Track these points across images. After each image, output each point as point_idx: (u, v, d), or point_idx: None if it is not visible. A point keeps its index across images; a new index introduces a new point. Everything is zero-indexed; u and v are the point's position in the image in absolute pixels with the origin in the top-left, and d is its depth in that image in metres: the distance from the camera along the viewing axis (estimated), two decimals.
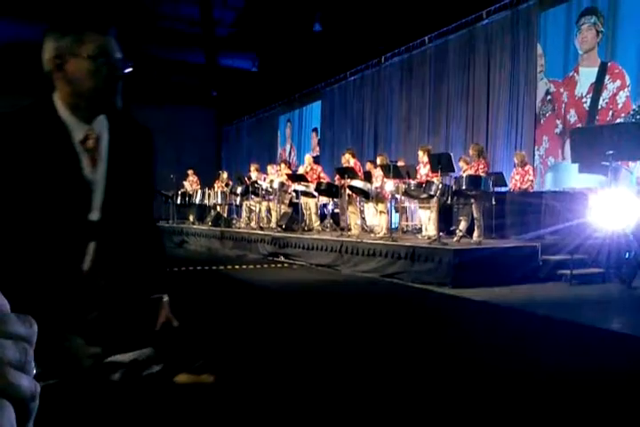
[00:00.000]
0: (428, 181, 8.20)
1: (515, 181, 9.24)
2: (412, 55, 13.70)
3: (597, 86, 9.59)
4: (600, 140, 7.57)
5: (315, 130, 17.61)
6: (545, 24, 10.66)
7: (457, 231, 8.16)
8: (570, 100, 10.05)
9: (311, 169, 11.03)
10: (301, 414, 2.75)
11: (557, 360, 3.73)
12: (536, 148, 10.62)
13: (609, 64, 9.41)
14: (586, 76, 9.82)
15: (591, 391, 3.13)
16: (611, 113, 9.33)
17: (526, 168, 9.28)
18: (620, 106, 9.23)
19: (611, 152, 7.08)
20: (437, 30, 12.65)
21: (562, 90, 10.22)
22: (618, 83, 9.25)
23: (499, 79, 11.44)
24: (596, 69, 9.63)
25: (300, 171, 11.32)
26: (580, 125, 9.73)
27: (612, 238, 6.79)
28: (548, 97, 10.50)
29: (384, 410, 2.83)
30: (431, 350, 4.02)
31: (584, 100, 9.82)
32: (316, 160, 14.54)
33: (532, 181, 9.21)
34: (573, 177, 9.43)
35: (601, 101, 9.53)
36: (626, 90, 9.11)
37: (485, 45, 11.76)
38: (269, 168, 12.85)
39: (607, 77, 9.43)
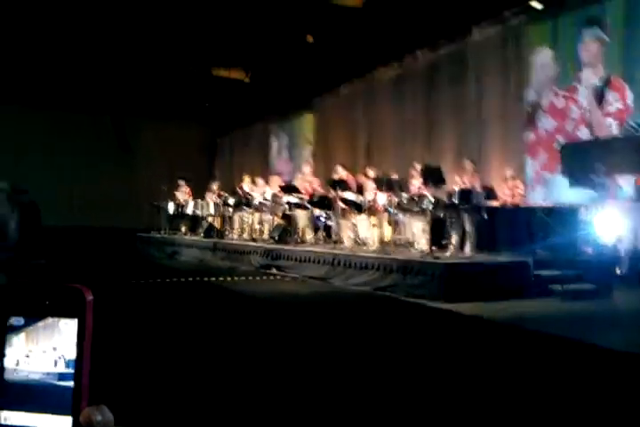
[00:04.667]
0: (420, 195, 8.24)
1: (504, 195, 9.30)
2: (404, 69, 13.82)
3: (598, 100, 9.42)
4: (590, 155, 7.66)
5: (308, 142, 17.66)
6: (535, 39, 10.76)
7: (449, 245, 8.20)
8: (571, 113, 9.89)
9: (308, 181, 11.02)
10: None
11: (549, 377, 3.76)
12: (531, 162, 10.62)
13: (612, 78, 9.23)
14: (588, 88, 9.66)
15: (583, 407, 3.15)
16: (612, 127, 9.13)
17: (515, 182, 9.35)
18: (618, 122, 9.03)
19: (601, 167, 7.17)
20: (429, 45, 12.78)
21: (562, 102, 10.10)
22: (618, 97, 9.10)
23: (490, 94, 11.55)
24: (597, 82, 9.44)
25: (298, 180, 11.32)
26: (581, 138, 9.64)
27: (603, 254, 6.84)
28: (540, 110, 10.49)
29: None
30: (422, 367, 4.03)
31: (585, 113, 9.65)
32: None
33: (522, 195, 9.27)
34: (564, 191, 9.47)
35: (600, 116, 9.38)
36: (627, 104, 8.97)
37: (476, 60, 11.88)
38: (259, 180, 12.86)
39: (608, 91, 9.25)
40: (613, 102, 9.22)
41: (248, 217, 12.49)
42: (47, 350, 0.49)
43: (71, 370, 0.48)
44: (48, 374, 0.48)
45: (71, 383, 0.48)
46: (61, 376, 0.48)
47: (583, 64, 9.83)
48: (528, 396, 3.38)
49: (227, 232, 13.38)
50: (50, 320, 0.49)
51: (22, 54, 15.09)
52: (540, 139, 10.46)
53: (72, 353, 0.48)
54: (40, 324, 0.49)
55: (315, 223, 11.25)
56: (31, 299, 0.49)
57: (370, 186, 9.59)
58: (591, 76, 9.67)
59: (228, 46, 15.16)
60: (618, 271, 6.95)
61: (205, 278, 8.94)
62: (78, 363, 0.48)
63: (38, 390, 0.49)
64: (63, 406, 0.48)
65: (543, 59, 10.51)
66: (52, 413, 0.48)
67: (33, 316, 0.49)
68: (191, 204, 14.09)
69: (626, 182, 8.76)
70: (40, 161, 18.83)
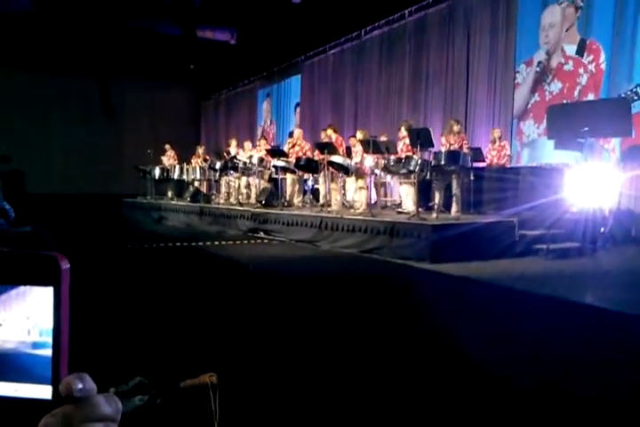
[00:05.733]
0: (407, 157, 8.20)
1: (491, 156, 9.29)
2: (391, 29, 13.57)
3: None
4: (576, 117, 7.62)
5: (298, 105, 17.43)
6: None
7: (436, 207, 8.21)
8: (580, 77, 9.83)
9: (299, 145, 10.86)
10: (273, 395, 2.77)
11: (533, 334, 3.81)
12: (534, 126, 10.51)
13: (588, 41, 9.35)
14: (567, 52, 9.74)
15: (565, 364, 3.20)
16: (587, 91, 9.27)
17: (502, 144, 9.32)
18: (593, 83, 9.17)
19: (586, 129, 7.14)
20: (417, 3, 12.52)
21: (570, 66, 9.97)
22: (594, 60, 9.21)
23: (478, 54, 11.39)
24: (575, 47, 9.55)
25: (288, 142, 11.19)
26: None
27: (588, 213, 6.88)
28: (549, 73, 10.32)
29: (359, 389, 2.86)
30: (409, 326, 4.07)
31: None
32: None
33: (509, 155, 9.27)
34: (549, 153, 9.47)
35: (578, 78, 9.47)
36: (601, 66, 9.06)
37: (465, 20, 11.67)
38: (246, 144, 12.73)
39: (585, 54, 9.38)
40: (587, 64, 9.25)
41: (235, 181, 12.42)
42: (20, 318, 0.48)
43: (46, 339, 0.47)
44: (22, 342, 0.48)
45: (48, 352, 0.48)
46: (36, 345, 0.48)
47: (560, 28, 9.84)
48: (516, 355, 3.43)
49: (213, 196, 13.32)
50: (23, 289, 0.48)
51: (6, 17, 14.66)
52: (545, 102, 10.25)
53: (47, 322, 0.47)
54: (13, 292, 0.48)
55: (302, 187, 11.21)
56: (4, 267, 0.48)
57: (357, 148, 9.52)
58: (570, 40, 9.66)
59: (213, 7, 14.82)
60: (602, 231, 7.01)
61: (193, 243, 8.93)
62: (56, 332, 0.47)
63: (14, 360, 0.48)
64: (42, 375, 0.48)
65: (551, 18, 10.27)
66: (32, 382, 0.48)
67: (6, 284, 0.48)
68: (177, 168, 13.97)
69: (611, 144, 8.79)
70: (24, 127, 18.51)
